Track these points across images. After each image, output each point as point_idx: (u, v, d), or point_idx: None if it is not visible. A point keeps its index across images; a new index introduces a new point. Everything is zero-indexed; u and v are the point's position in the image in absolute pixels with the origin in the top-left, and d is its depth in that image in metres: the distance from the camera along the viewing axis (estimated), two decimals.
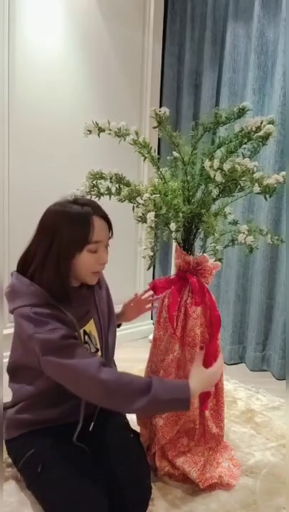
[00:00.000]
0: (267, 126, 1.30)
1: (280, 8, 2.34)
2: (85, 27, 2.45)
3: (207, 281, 1.50)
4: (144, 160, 1.45)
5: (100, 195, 1.42)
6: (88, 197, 1.39)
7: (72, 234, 1.20)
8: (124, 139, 1.40)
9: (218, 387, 1.54)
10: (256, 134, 1.32)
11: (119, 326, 1.62)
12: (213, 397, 1.54)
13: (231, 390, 2.20)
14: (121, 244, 2.64)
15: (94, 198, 1.38)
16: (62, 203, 1.25)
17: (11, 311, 1.24)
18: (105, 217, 1.26)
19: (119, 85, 2.66)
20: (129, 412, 1.39)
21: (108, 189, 1.43)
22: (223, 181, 1.34)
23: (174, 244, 1.62)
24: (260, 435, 1.84)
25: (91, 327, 1.36)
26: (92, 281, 1.29)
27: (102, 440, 1.33)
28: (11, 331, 1.29)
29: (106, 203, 1.37)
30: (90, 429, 1.32)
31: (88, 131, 1.41)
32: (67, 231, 1.20)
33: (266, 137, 1.32)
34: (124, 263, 2.81)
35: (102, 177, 1.43)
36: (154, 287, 1.56)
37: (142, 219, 1.35)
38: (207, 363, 1.49)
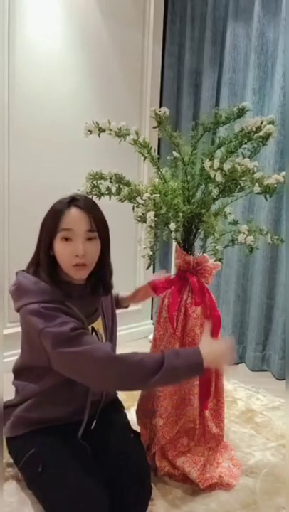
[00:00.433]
0: (267, 126, 1.30)
1: (280, 8, 2.34)
2: (85, 27, 2.45)
3: (207, 281, 1.50)
4: (144, 160, 1.45)
5: (100, 195, 1.42)
6: (89, 197, 1.39)
7: (46, 223, 1.24)
8: (125, 139, 1.40)
9: (218, 387, 1.54)
10: (256, 134, 1.32)
11: (127, 307, 1.64)
12: (213, 397, 1.54)
13: (231, 390, 2.20)
14: (121, 244, 2.65)
15: (94, 198, 1.38)
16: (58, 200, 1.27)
17: (18, 309, 1.24)
18: (85, 209, 1.23)
19: (119, 85, 2.66)
20: (147, 387, 1.36)
21: (108, 189, 1.43)
22: (223, 181, 1.34)
23: (174, 244, 1.62)
24: (260, 435, 1.84)
25: (99, 325, 1.36)
26: (76, 275, 1.25)
27: (103, 440, 1.33)
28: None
29: (106, 203, 1.37)
30: (92, 427, 1.32)
31: (89, 131, 1.41)
32: (44, 223, 1.25)
33: (266, 137, 1.32)
34: (124, 263, 2.81)
35: (101, 177, 1.43)
36: (154, 287, 1.56)
37: (142, 219, 1.35)
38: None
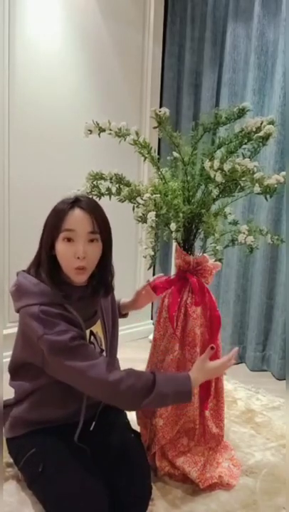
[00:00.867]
0: (267, 126, 1.30)
1: (280, 9, 2.34)
2: (85, 27, 2.45)
3: (207, 281, 1.50)
4: (145, 160, 1.45)
5: (100, 195, 1.42)
6: (92, 198, 1.39)
7: (48, 224, 1.24)
8: (125, 139, 1.40)
9: (218, 388, 1.54)
10: (256, 135, 1.33)
11: (126, 315, 1.63)
12: (213, 397, 1.54)
13: (231, 390, 2.20)
14: (121, 244, 2.65)
15: (94, 198, 1.38)
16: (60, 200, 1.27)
17: (17, 310, 1.24)
18: (88, 210, 1.23)
19: (119, 85, 2.66)
20: (134, 410, 1.40)
21: (108, 189, 1.43)
22: (223, 181, 1.34)
23: (174, 244, 1.62)
24: (260, 435, 1.84)
25: (98, 328, 1.37)
26: (76, 278, 1.24)
27: (103, 440, 1.34)
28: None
29: (106, 204, 1.37)
30: (91, 428, 1.32)
31: (89, 131, 1.41)
32: (47, 223, 1.25)
33: (266, 137, 1.32)
34: (124, 263, 2.81)
35: (101, 178, 1.43)
36: (154, 287, 1.56)
37: (142, 219, 1.35)
38: None
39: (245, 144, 1.36)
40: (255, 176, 1.29)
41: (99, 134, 1.41)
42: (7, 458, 1.40)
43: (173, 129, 1.43)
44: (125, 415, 1.50)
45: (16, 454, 1.34)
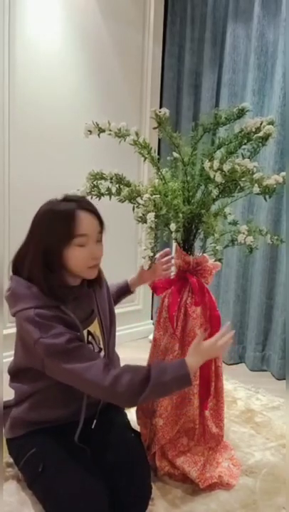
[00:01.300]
0: (267, 126, 1.31)
1: (280, 9, 2.34)
2: (85, 27, 2.45)
3: (207, 282, 1.50)
4: (144, 160, 1.45)
5: (100, 195, 1.43)
6: (89, 197, 1.39)
7: (57, 230, 1.21)
8: (125, 140, 1.40)
9: (217, 387, 1.55)
10: (256, 135, 1.33)
11: (132, 292, 1.64)
12: (213, 397, 1.54)
13: (231, 390, 2.20)
14: (121, 245, 2.65)
15: (94, 199, 1.39)
16: (51, 201, 1.26)
17: (13, 314, 1.24)
18: (93, 211, 1.25)
19: (119, 86, 2.66)
20: (136, 405, 1.41)
21: (108, 189, 1.43)
22: (223, 182, 1.34)
23: (174, 244, 1.62)
24: (259, 435, 1.84)
25: (95, 327, 1.37)
26: (90, 275, 1.28)
27: (103, 440, 1.34)
28: (11, 331, 1.30)
29: (106, 203, 1.38)
30: (93, 427, 1.32)
31: (89, 131, 1.41)
32: (53, 228, 1.21)
33: (266, 138, 1.33)
34: (124, 263, 2.80)
35: (102, 177, 1.43)
36: (154, 287, 1.56)
37: (142, 219, 1.35)
38: (206, 362, 1.49)
39: (245, 144, 1.36)
40: (254, 176, 1.29)
41: (99, 135, 1.41)
42: (7, 458, 1.40)
43: (173, 129, 1.43)
44: (125, 415, 1.51)
45: (16, 454, 1.34)
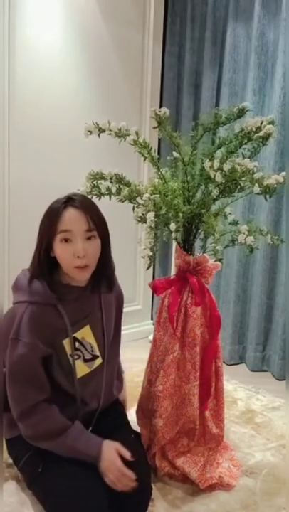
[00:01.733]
0: (267, 126, 1.30)
1: (280, 9, 2.34)
2: (85, 27, 2.44)
3: (207, 282, 1.50)
4: (144, 160, 1.45)
5: (100, 195, 1.42)
6: (89, 197, 1.38)
7: (45, 226, 1.24)
8: (125, 140, 1.40)
9: (218, 388, 1.54)
10: (256, 135, 1.33)
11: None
12: (213, 397, 1.53)
13: (231, 391, 2.20)
14: (121, 244, 2.64)
15: (94, 198, 1.38)
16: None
17: (13, 304, 1.27)
18: (83, 209, 1.22)
19: (120, 86, 2.66)
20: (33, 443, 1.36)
21: (108, 189, 1.43)
22: (223, 181, 1.34)
23: (174, 244, 1.62)
24: (260, 435, 1.84)
25: (85, 333, 1.33)
26: (78, 277, 1.24)
27: None
28: None
29: (106, 204, 1.37)
30: (89, 430, 1.32)
31: (89, 131, 1.41)
32: (42, 224, 1.25)
33: (266, 137, 1.32)
34: (124, 263, 2.81)
35: (102, 177, 1.43)
36: (155, 287, 1.56)
37: (142, 219, 1.35)
38: (207, 362, 1.49)
39: (245, 143, 1.36)
40: (255, 176, 1.29)
41: (99, 135, 1.41)
42: (6, 458, 1.40)
43: (173, 129, 1.43)
44: (125, 416, 1.50)
45: (16, 455, 1.34)
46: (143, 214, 1.34)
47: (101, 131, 1.40)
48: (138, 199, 1.36)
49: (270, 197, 1.31)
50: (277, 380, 2.42)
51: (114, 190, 1.43)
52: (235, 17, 2.53)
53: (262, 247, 2.35)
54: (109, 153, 2.16)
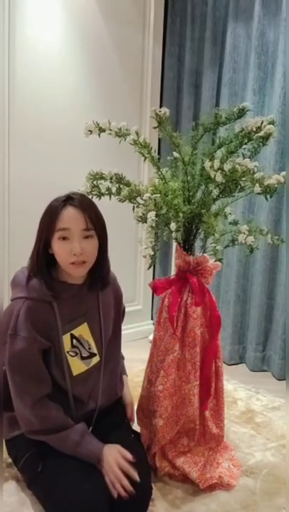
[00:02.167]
0: (267, 126, 1.30)
1: (280, 9, 2.34)
2: (85, 27, 2.44)
3: (207, 282, 1.50)
4: (145, 160, 1.45)
5: (100, 195, 1.42)
6: (89, 197, 1.39)
7: (44, 223, 1.25)
8: (125, 139, 1.40)
9: (218, 388, 1.54)
10: (256, 135, 1.32)
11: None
12: (213, 397, 1.53)
13: (231, 391, 2.20)
14: (121, 244, 2.65)
15: (94, 198, 1.38)
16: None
17: (11, 300, 1.29)
18: (81, 208, 1.23)
19: (120, 85, 2.66)
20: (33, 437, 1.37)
21: (108, 189, 1.43)
22: (224, 181, 1.34)
23: (174, 244, 1.62)
24: (260, 435, 1.84)
25: (82, 331, 1.34)
26: (74, 273, 1.26)
27: (103, 440, 1.33)
28: None
29: (106, 203, 1.37)
30: (89, 430, 1.32)
31: (89, 131, 1.41)
32: (41, 222, 1.26)
33: (266, 137, 1.32)
34: (124, 263, 2.81)
35: (102, 177, 1.43)
36: (155, 287, 1.56)
37: (143, 219, 1.35)
38: (207, 362, 1.49)
39: (246, 143, 1.36)
40: (255, 176, 1.29)
41: (99, 134, 1.41)
42: (7, 458, 1.40)
43: (173, 129, 1.43)
44: (125, 416, 1.50)
45: (16, 455, 1.34)
46: (143, 214, 1.34)
47: (101, 130, 1.41)
48: (138, 199, 1.36)
49: (271, 197, 1.31)
50: (278, 380, 2.42)
51: (114, 190, 1.43)
52: (235, 17, 2.53)
53: (262, 247, 2.35)
54: (109, 153, 2.16)
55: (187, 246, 1.51)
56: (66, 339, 1.30)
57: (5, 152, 2.22)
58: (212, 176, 1.33)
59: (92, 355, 1.36)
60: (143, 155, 1.43)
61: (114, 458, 1.23)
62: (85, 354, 1.34)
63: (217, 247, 1.42)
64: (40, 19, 2.26)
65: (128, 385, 1.57)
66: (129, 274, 2.86)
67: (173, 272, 1.88)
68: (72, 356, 1.31)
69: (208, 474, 1.48)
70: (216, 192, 1.39)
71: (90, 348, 1.35)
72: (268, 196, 1.31)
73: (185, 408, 1.48)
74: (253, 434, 1.84)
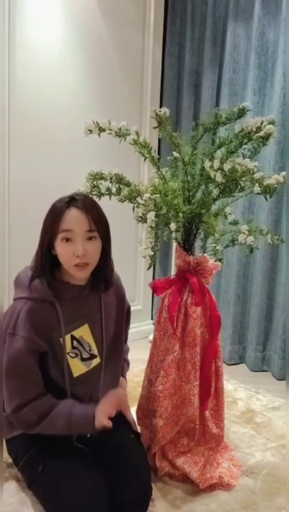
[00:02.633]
0: (267, 126, 1.31)
1: (280, 9, 2.34)
2: (85, 27, 2.44)
3: (207, 282, 1.50)
4: (145, 160, 1.45)
5: (100, 195, 1.42)
6: (89, 196, 1.39)
7: (47, 224, 1.25)
8: (125, 139, 1.40)
9: (218, 388, 1.54)
10: (256, 135, 1.33)
11: None
12: (213, 397, 1.54)
13: (231, 391, 2.20)
14: (121, 244, 2.64)
15: (94, 198, 1.38)
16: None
17: (13, 300, 1.29)
18: (84, 209, 1.23)
19: (120, 85, 2.66)
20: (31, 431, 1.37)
21: (108, 189, 1.43)
22: (224, 181, 1.34)
23: (174, 244, 1.62)
24: (260, 435, 1.84)
25: (83, 332, 1.34)
26: (77, 274, 1.25)
27: (103, 440, 1.33)
28: None
29: (106, 203, 1.37)
30: (88, 435, 1.32)
31: (89, 130, 1.41)
32: (45, 223, 1.26)
33: (266, 137, 1.33)
34: (124, 263, 2.80)
35: (102, 178, 1.43)
36: (155, 287, 1.56)
37: (142, 219, 1.35)
38: (207, 362, 1.49)
39: (246, 143, 1.36)
40: (255, 176, 1.29)
41: (99, 134, 1.41)
42: (7, 458, 1.40)
43: (173, 129, 1.43)
44: (125, 416, 1.50)
45: (16, 455, 1.34)
46: (143, 214, 1.34)
47: (101, 130, 1.40)
48: (138, 199, 1.36)
49: (270, 197, 1.31)
50: (278, 380, 2.42)
51: (114, 190, 1.43)
52: (235, 17, 2.53)
53: (262, 247, 2.35)
54: (109, 153, 2.16)
55: (187, 246, 1.51)
56: (67, 340, 1.29)
57: (5, 152, 2.22)
58: (212, 176, 1.33)
59: (92, 356, 1.36)
60: (143, 155, 1.43)
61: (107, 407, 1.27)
62: (85, 355, 1.34)
63: (217, 247, 1.42)
64: (40, 19, 2.26)
65: (124, 387, 1.55)
66: (129, 274, 2.86)
67: (173, 272, 1.88)
68: (72, 357, 1.31)
69: (208, 474, 1.48)
70: (216, 192, 1.39)
71: (90, 350, 1.35)
72: (268, 196, 1.31)
73: (185, 408, 1.48)
74: (253, 434, 1.84)
